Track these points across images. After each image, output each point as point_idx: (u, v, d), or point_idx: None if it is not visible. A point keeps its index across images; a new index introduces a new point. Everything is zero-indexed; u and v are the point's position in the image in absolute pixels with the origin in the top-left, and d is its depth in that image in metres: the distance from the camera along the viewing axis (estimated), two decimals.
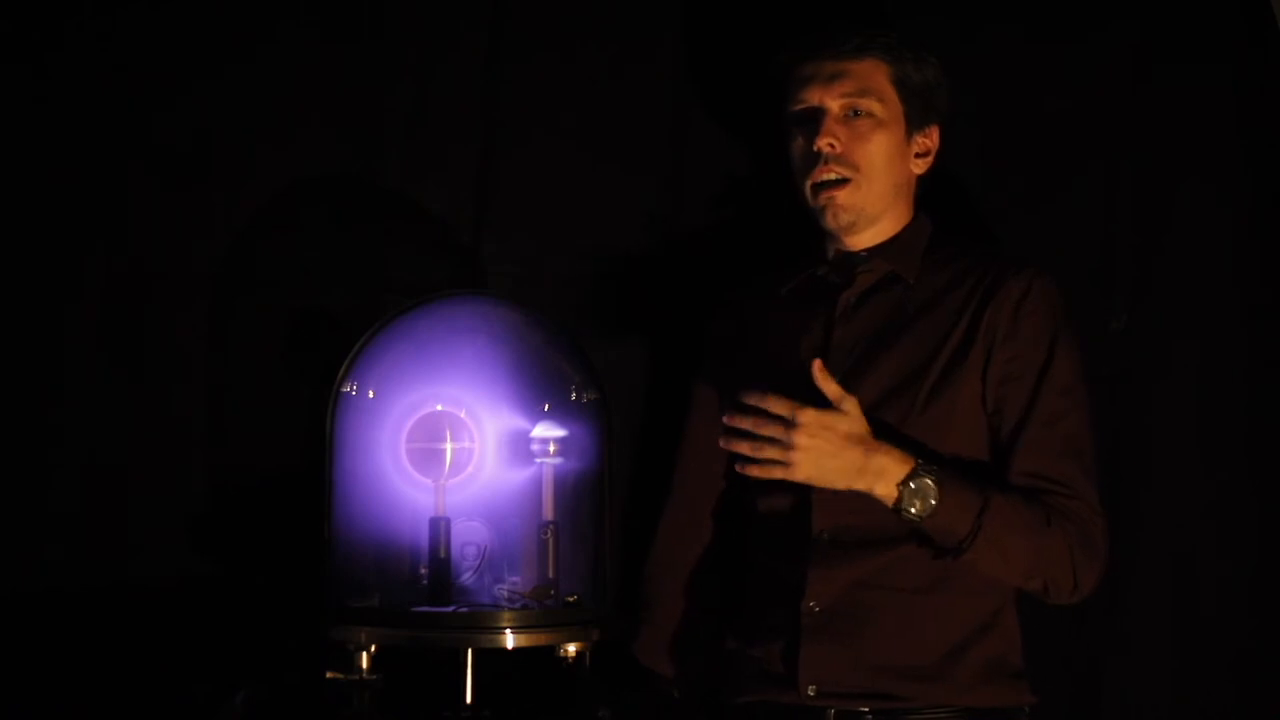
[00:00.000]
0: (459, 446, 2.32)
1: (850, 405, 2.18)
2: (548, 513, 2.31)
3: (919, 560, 2.25)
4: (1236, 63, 2.66)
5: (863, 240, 2.39)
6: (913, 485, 2.16)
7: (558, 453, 2.32)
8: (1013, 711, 2.31)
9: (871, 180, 2.35)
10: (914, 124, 2.38)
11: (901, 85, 2.36)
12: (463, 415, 2.33)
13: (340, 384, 2.34)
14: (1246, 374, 2.66)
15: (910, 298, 2.35)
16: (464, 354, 2.36)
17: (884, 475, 2.17)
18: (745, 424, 2.16)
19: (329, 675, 2.21)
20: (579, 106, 2.74)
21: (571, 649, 2.24)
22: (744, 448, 2.17)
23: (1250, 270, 2.66)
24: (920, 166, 2.41)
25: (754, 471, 2.18)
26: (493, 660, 2.22)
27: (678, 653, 2.46)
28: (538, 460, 2.32)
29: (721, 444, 2.19)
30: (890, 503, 2.17)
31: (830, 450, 2.15)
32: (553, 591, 2.28)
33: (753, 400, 2.16)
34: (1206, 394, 2.65)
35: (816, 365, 2.18)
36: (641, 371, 2.54)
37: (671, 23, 2.74)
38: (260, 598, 2.62)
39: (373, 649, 2.21)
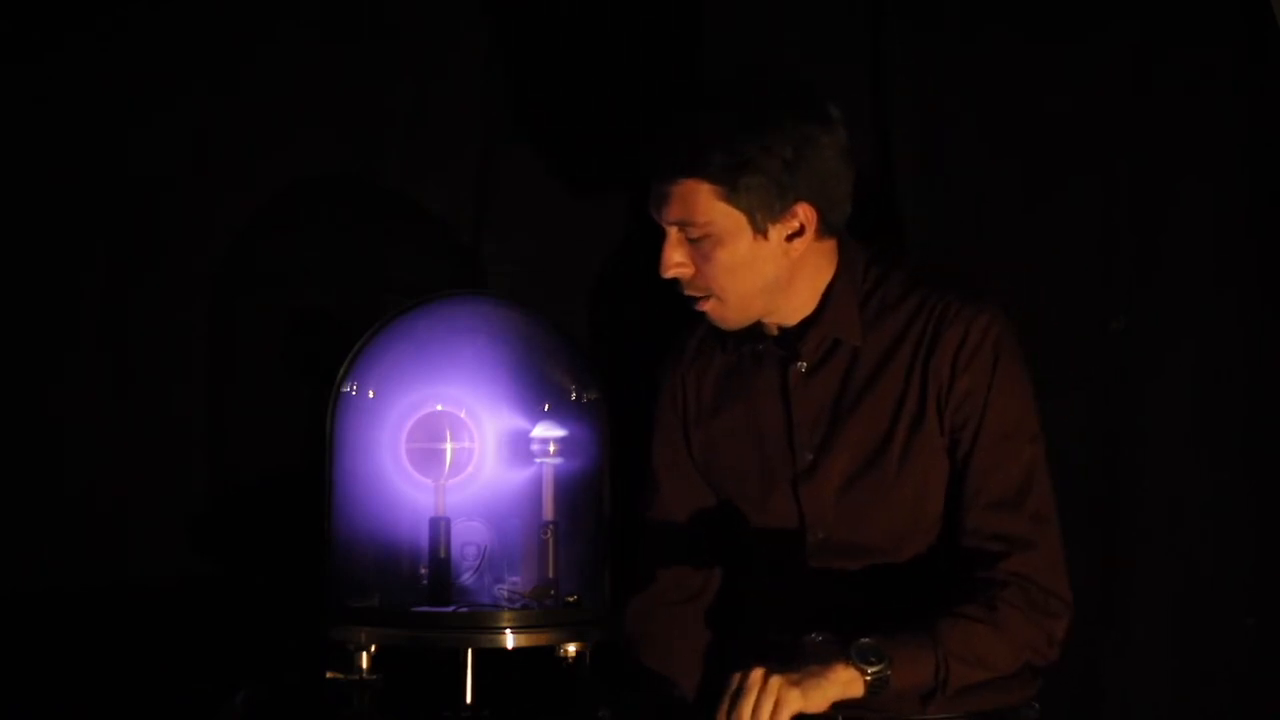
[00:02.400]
0: (459, 446, 2.32)
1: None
2: (548, 513, 2.31)
3: (910, 582, 2.26)
4: (1236, 63, 2.66)
5: (788, 315, 2.31)
6: (855, 652, 2.05)
7: (558, 453, 2.32)
8: (1018, 710, 2.32)
9: (729, 294, 2.26)
10: (764, 222, 2.21)
11: (734, 196, 2.19)
12: (463, 415, 2.33)
13: (340, 384, 2.34)
14: (1243, 374, 2.66)
15: (860, 361, 2.29)
16: (464, 354, 2.36)
17: (832, 662, 2.05)
18: None
19: (329, 675, 2.21)
20: (579, 106, 2.74)
21: (571, 649, 2.24)
22: None
23: (1247, 270, 2.67)
24: (798, 247, 2.24)
25: None
26: (493, 660, 2.22)
27: (681, 661, 2.46)
28: (538, 460, 2.32)
29: None
30: (860, 680, 2.05)
31: (799, 671, 2.03)
32: (553, 591, 2.28)
33: None
34: (1203, 394, 2.65)
35: None
36: (641, 371, 2.54)
37: (670, 23, 2.74)
38: (260, 598, 2.62)
39: (373, 649, 2.21)
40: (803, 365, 2.32)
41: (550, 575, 2.29)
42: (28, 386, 2.70)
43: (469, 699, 2.22)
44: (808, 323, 2.31)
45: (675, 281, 2.29)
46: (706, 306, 2.29)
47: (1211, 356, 2.66)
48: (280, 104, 2.73)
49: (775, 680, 2.01)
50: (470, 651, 2.21)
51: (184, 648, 2.63)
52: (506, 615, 2.22)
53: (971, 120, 2.69)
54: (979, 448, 2.24)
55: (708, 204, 2.21)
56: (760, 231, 2.23)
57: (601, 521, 2.37)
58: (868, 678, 2.05)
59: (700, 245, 2.24)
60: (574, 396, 2.37)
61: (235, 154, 2.72)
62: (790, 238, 2.25)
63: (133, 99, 2.71)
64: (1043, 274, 2.66)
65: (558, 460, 2.32)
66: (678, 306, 2.51)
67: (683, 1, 2.74)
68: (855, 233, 2.35)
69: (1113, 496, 2.66)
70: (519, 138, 2.75)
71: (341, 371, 2.35)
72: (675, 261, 2.26)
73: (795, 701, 2.01)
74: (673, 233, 2.25)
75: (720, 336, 2.41)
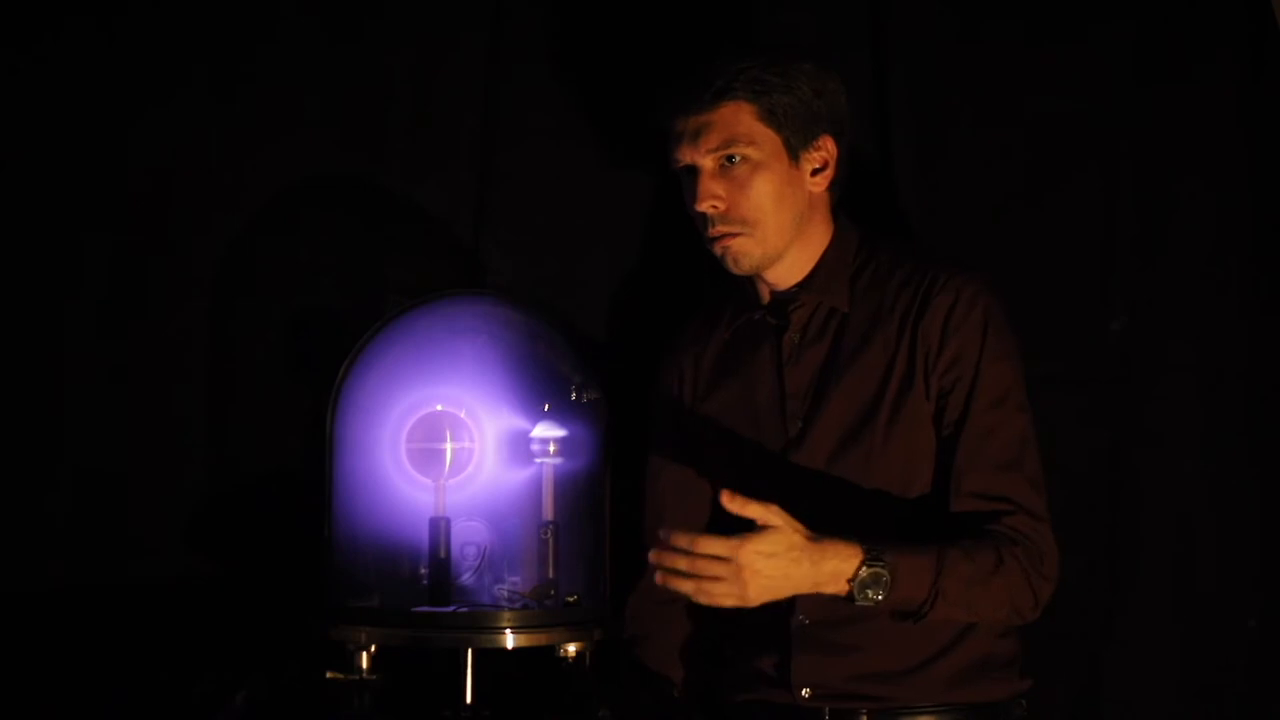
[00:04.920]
0: (459, 446, 2.32)
1: (777, 517, 2.07)
2: (548, 513, 2.31)
3: None
4: (1236, 62, 2.66)
5: (783, 274, 2.35)
6: (864, 575, 2.10)
7: (558, 453, 2.32)
8: (1005, 706, 2.32)
9: (764, 225, 2.29)
10: (797, 148, 2.30)
11: (772, 117, 2.28)
12: (463, 415, 2.33)
13: (340, 384, 2.35)
14: (1245, 373, 2.66)
15: (849, 328, 2.32)
16: (464, 354, 2.37)
17: (836, 577, 2.10)
18: (681, 564, 2.05)
19: (329, 675, 2.21)
20: (579, 106, 2.74)
21: (571, 649, 2.24)
22: (687, 586, 2.06)
23: (1249, 270, 2.67)
24: (820, 183, 2.33)
25: (702, 600, 2.07)
26: (493, 660, 2.22)
27: (678, 659, 2.46)
28: (538, 460, 2.32)
29: (658, 580, 2.07)
30: (844, 595, 2.11)
31: (779, 573, 2.07)
32: (553, 591, 2.29)
33: (684, 544, 2.05)
34: (1204, 394, 2.65)
35: (725, 496, 2.06)
36: (641, 371, 2.54)
37: (670, 23, 2.73)
38: (260, 598, 2.62)
39: (373, 649, 2.21)
40: (795, 336, 2.34)
41: (550, 575, 2.29)
42: (28, 386, 2.70)
43: (469, 699, 2.22)
44: (799, 287, 2.35)
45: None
46: (734, 242, 2.31)
47: (1213, 356, 2.66)
48: (280, 104, 2.73)
49: (736, 587, 2.05)
50: (470, 651, 2.22)
51: (184, 648, 2.63)
52: (506, 615, 2.22)
53: (971, 120, 2.69)
54: (973, 413, 2.25)
55: (750, 125, 2.28)
56: (794, 159, 2.30)
57: (601, 521, 2.37)
58: (857, 600, 2.11)
59: (736, 173, 2.28)
60: (574, 396, 2.37)
61: (235, 154, 2.72)
62: (815, 172, 2.32)
63: (133, 99, 2.70)
64: (1043, 274, 2.66)
65: (558, 460, 2.32)
66: (677, 306, 2.52)
67: (682, 1, 2.74)
68: (859, 224, 2.38)
69: (1113, 496, 2.66)
70: (519, 138, 2.75)
71: (341, 371, 2.35)
72: (713, 192, 2.29)
73: (744, 604, 2.06)
74: (708, 164, 2.29)
75: (715, 319, 2.43)
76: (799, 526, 2.09)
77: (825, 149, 2.32)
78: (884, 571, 2.10)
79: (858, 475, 2.28)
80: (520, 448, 2.34)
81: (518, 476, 2.35)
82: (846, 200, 2.40)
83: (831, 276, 2.34)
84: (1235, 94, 2.66)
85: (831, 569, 2.10)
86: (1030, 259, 2.66)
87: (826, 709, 2.27)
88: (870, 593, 2.10)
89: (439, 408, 2.33)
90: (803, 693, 2.27)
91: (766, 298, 2.38)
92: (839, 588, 2.11)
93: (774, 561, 2.06)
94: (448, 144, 2.74)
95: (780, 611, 2.25)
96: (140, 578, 2.68)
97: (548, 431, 2.32)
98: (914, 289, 2.30)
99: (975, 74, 2.68)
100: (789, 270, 2.35)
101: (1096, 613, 2.63)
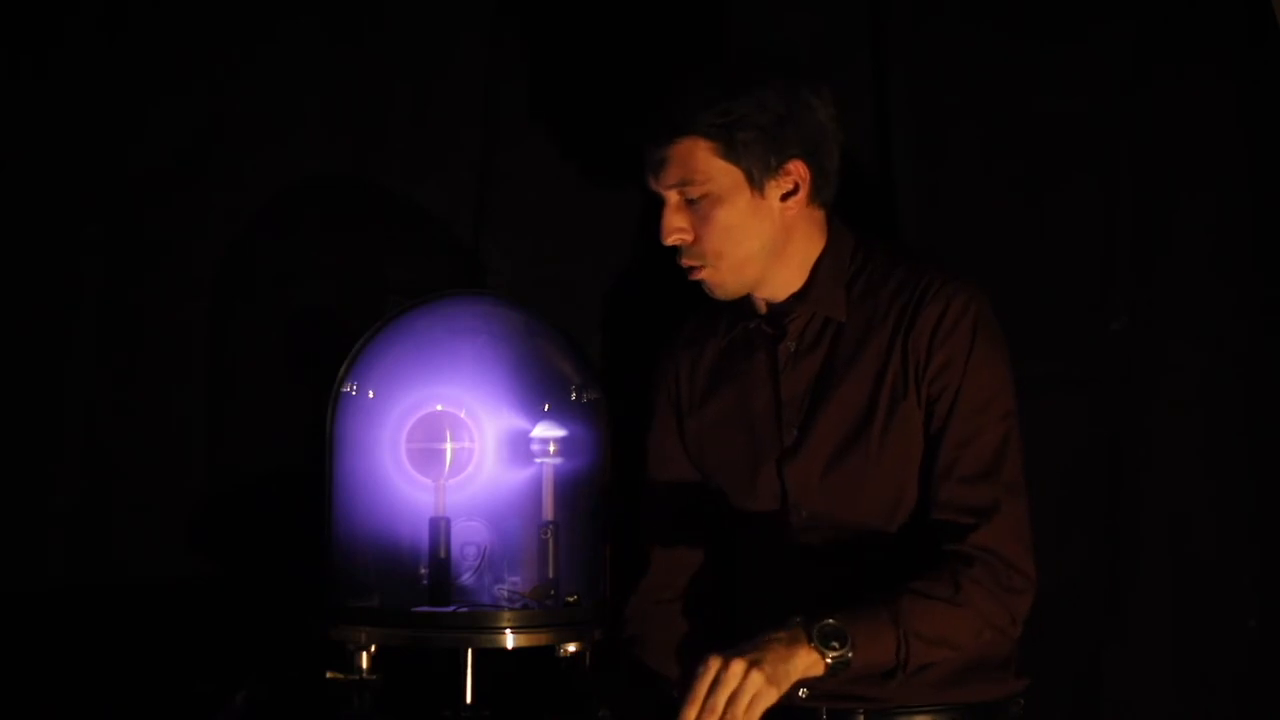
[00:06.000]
0: (459, 446, 2.32)
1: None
2: (548, 513, 2.31)
3: (898, 558, 2.26)
4: (1236, 62, 2.66)
5: (776, 290, 2.34)
6: (817, 635, 2.06)
7: (558, 453, 2.32)
8: (1001, 705, 2.32)
9: (730, 257, 2.27)
10: (761, 178, 2.24)
11: (731, 151, 2.22)
12: (463, 415, 2.33)
13: (340, 384, 2.34)
14: (1245, 373, 2.66)
15: (844, 337, 2.31)
16: (464, 354, 2.36)
17: (795, 639, 2.06)
18: None
19: (329, 675, 2.21)
20: (579, 106, 2.74)
21: (571, 649, 2.24)
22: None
23: (1250, 270, 2.67)
24: (792, 207, 2.27)
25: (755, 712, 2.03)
26: (493, 660, 2.23)
27: (677, 658, 2.46)
28: (538, 460, 2.32)
29: None
30: (821, 663, 2.07)
31: (758, 646, 2.05)
32: (553, 591, 2.29)
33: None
34: (1205, 393, 2.65)
35: None
36: (641, 371, 2.54)
37: (670, 23, 2.73)
38: (260, 598, 2.62)
39: (373, 649, 2.21)
40: (791, 345, 2.33)
41: (550, 575, 2.29)
42: (28, 386, 2.70)
43: (469, 699, 2.22)
44: (795, 299, 2.33)
45: (671, 265, 2.30)
46: (704, 274, 2.30)
47: (1213, 356, 2.66)
48: (280, 104, 2.73)
49: (756, 675, 2.02)
50: (470, 651, 2.22)
51: (184, 648, 2.63)
52: (506, 615, 2.22)
53: (971, 119, 2.69)
54: (954, 419, 2.24)
55: (706, 161, 2.24)
56: (757, 189, 2.26)
57: (601, 521, 2.37)
58: (828, 661, 2.07)
59: (699, 207, 2.26)
60: (574, 396, 2.37)
61: (235, 153, 2.72)
62: (785, 197, 2.28)
63: (132, 99, 2.71)
64: (1043, 274, 2.66)
65: (558, 460, 2.32)
66: (677, 306, 2.52)
67: (682, 2, 2.74)
68: (853, 227, 2.37)
69: (1113, 496, 2.66)
70: (519, 138, 2.75)
71: (341, 371, 2.35)
72: (676, 226, 2.28)
73: (771, 696, 2.03)
74: (672, 198, 2.27)
75: (713, 323, 2.43)
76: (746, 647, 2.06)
77: (795, 173, 2.27)
78: (832, 623, 2.07)
79: (853, 483, 2.28)
80: (520, 448, 2.34)
81: (518, 476, 2.34)
82: (846, 202, 2.40)
83: (826, 286, 2.33)
84: (1235, 94, 2.66)
85: (787, 637, 2.07)
86: (1030, 259, 2.67)
87: (823, 709, 2.27)
88: (835, 644, 2.06)
89: (439, 408, 2.33)
90: (800, 693, 2.27)
91: (763, 309, 2.37)
92: (810, 655, 2.07)
93: (742, 649, 2.04)
94: (448, 144, 2.74)
95: (777, 612, 2.26)
96: (140, 578, 2.68)
97: (548, 431, 2.32)
98: (906, 297, 2.29)
99: (975, 74, 2.68)
100: (781, 285, 2.34)
101: (1096, 612, 2.64)
